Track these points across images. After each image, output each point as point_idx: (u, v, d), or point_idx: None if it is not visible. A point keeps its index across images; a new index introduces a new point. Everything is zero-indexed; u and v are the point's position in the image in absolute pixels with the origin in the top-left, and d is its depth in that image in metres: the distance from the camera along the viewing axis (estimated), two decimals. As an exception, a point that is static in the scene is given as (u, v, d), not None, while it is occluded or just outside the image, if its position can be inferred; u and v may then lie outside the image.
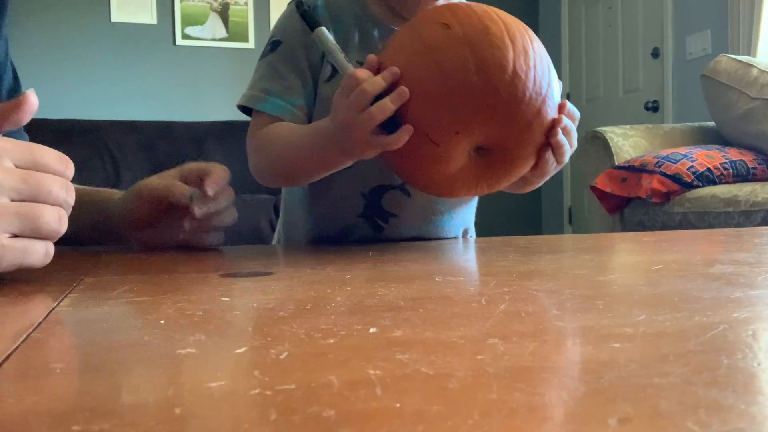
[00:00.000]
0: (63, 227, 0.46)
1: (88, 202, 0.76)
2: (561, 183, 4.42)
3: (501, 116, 0.61)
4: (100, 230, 0.77)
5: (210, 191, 0.70)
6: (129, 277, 0.52)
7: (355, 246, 0.79)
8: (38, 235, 0.45)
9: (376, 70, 0.63)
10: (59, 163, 0.46)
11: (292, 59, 0.81)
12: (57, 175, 0.46)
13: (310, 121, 0.80)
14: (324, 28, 0.68)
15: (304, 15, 0.70)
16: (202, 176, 0.72)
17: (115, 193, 0.80)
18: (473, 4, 0.66)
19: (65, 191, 0.46)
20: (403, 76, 0.62)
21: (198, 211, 0.70)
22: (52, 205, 0.45)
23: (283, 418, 0.19)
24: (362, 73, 0.63)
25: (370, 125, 0.61)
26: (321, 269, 0.53)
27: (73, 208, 0.48)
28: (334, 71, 0.82)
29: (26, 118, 0.47)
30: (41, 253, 0.45)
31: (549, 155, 0.67)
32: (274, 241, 0.99)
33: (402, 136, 0.61)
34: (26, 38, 3.69)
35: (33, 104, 0.47)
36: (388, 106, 0.61)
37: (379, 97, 0.62)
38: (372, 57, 0.65)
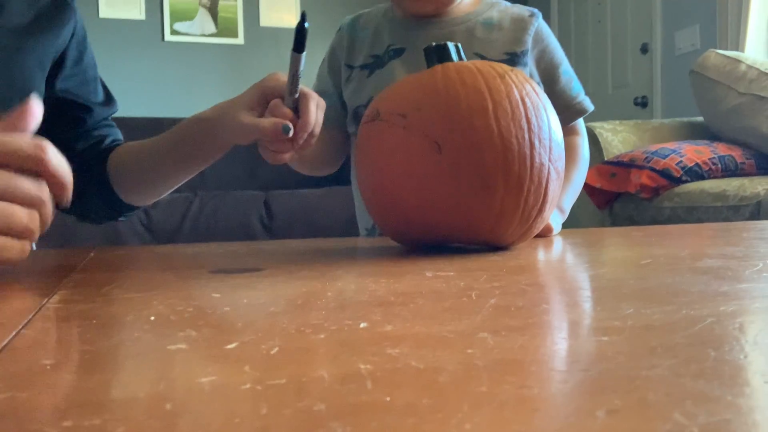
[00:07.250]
0: (34, 225, 0.46)
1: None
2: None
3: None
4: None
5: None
6: (119, 273, 0.52)
7: (345, 240, 0.79)
8: (12, 233, 0.45)
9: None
10: (34, 149, 0.44)
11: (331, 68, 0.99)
12: (32, 162, 0.44)
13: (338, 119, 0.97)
14: (303, 56, 0.67)
15: (299, 32, 0.66)
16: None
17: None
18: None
19: (38, 188, 0.45)
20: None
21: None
22: (25, 203, 0.45)
23: (274, 412, 0.19)
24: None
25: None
26: (311, 265, 0.53)
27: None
28: (350, 73, 0.95)
29: (30, 124, 0.46)
30: (17, 249, 0.46)
31: None
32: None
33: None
34: (13, 34, 3.65)
35: (35, 111, 0.46)
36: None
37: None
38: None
